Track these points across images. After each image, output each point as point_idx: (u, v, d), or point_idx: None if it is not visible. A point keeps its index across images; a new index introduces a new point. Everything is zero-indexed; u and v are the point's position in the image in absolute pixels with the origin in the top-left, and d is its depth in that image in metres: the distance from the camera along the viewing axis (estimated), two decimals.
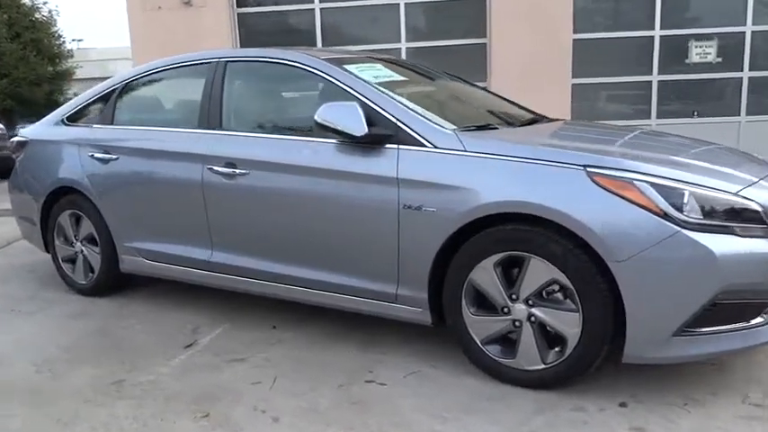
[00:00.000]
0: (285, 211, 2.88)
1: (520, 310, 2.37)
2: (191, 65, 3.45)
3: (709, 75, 8.14)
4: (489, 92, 4.08)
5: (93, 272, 3.78)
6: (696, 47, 8.06)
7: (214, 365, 2.77)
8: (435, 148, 2.53)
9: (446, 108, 3.29)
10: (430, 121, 2.62)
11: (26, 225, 4.16)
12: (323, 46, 8.48)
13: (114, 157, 3.50)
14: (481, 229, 2.40)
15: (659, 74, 8.17)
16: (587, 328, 2.24)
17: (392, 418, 2.25)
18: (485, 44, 8.28)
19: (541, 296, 2.35)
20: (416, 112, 2.65)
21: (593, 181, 2.21)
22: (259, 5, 8.62)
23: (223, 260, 3.16)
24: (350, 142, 2.67)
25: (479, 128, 2.76)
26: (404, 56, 8.40)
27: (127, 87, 3.68)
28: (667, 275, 2.11)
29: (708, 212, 2.13)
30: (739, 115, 8.14)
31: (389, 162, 2.58)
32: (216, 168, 3.05)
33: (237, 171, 2.99)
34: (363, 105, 2.65)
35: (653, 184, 2.16)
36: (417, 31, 8.51)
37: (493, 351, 2.48)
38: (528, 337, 2.37)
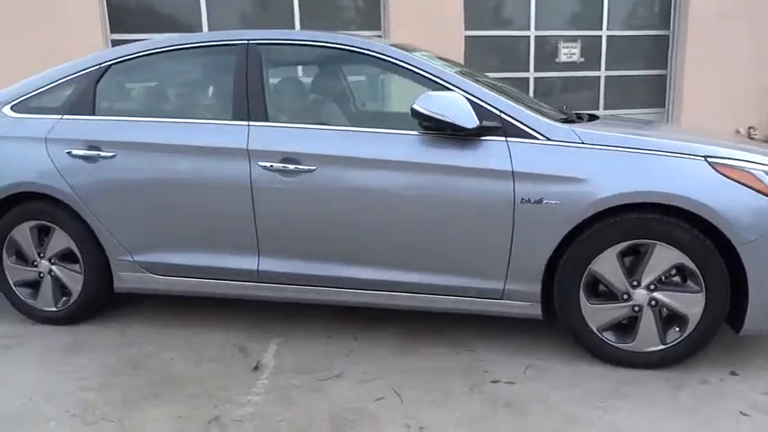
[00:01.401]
0: (368, 209, 2.65)
1: (641, 295, 2.48)
2: (208, 46, 2.98)
3: (575, 73, 9.09)
4: None
5: (68, 295, 3.10)
6: (564, 47, 8.95)
7: (310, 386, 2.46)
8: (549, 140, 2.51)
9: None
10: (538, 113, 2.60)
11: None
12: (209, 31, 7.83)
13: (109, 154, 2.90)
14: (598, 219, 2.45)
15: (535, 71, 8.92)
16: (709, 307, 2.42)
17: (555, 415, 2.22)
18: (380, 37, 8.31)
19: (661, 280, 2.48)
20: (522, 104, 2.61)
21: (716, 170, 2.39)
22: None
23: (277, 268, 2.81)
24: (450, 135, 2.55)
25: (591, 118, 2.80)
26: None
27: (113, 70, 3.06)
28: None
29: None
30: (599, 109, 9.22)
31: (501, 155, 2.51)
32: (271, 165, 2.70)
33: (302, 167, 2.67)
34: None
35: (766, 172, 2.39)
36: (313, 25, 8.25)
37: (609, 337, 2.55)
38: (648, 321, 2.49)
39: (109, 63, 3.06)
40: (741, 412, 2.21)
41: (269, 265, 2.82)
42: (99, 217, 2.95)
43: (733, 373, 2.50)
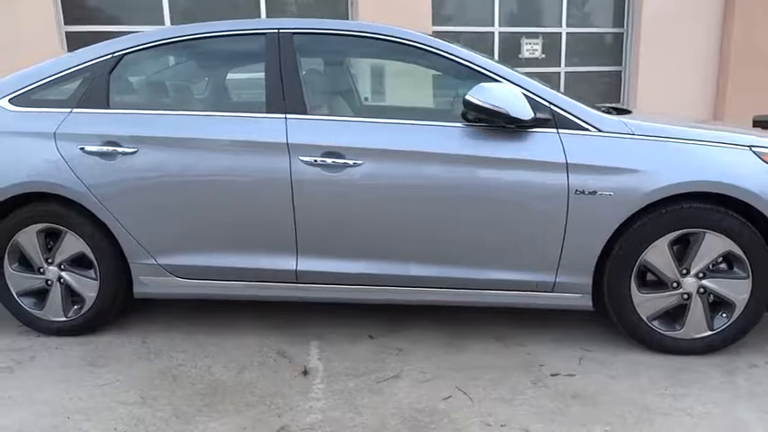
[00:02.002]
0: (416, 205, 2.58)
1: (690, 283, 2.53)
2: (233, 35, 2.81)
3: (537, 69, 9.28)
4: None
5: (80, 303, 2.88)
6: (526, 44, 9.12)
7: (369, 388, 2.38)
8: (600, 131, 2.52)
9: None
10: (586, 105, 2.60)
11: None
12: (172, 24, 7.50)
13: (129, 150, 2.70)
14: (650, 210, 2.48)
15: None
16: (755, 293, 2.50)
17: (627, 405, 2.23)
18: None
19: (709, 268, 2.53)
20: (569, 97, 2.61)
21: (761, 158, 2.46)
22: None
23: (318, 268, 2.70)
24: (500, 127, 2.52)
25: (618, 111, 2.82)
26: None
27: (127, 60, 2.85)
28: None
29: None
30: None
31: (553, 147, 2.50)
32: (315, 159, 2.58)
33: (348, 162, 2.57)
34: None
35: None
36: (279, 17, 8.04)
37: (658, 326, 2.60)
38: (697, 308, 2.54)
39: (123, 52, 2.85)
40: None
41: (309, 264, 2.70)
42: (118, 218, 2.74)
43: None
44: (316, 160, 2.59)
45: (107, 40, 2.87)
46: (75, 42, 6.99)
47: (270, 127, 2.64)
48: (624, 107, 3.33)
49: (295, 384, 2.43)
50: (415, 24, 8.05)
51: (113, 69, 2.84)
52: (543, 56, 9.31)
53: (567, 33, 9.41)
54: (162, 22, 7.55)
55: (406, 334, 2.86)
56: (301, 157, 2.60)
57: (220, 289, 2.80)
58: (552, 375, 2.46)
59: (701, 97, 9.68)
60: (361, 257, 2.67)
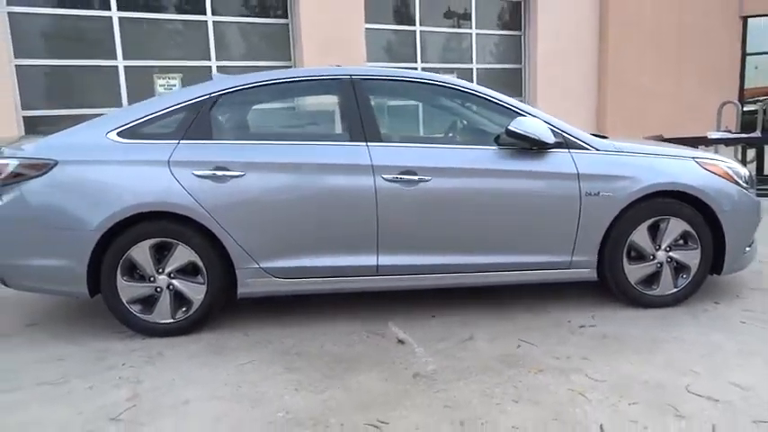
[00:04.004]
0: (470, 208, 3.41)
1: (661, 255, 3.58)
2: (311, 79, 3.51)
3: None
4: None
5: (187, 306, 3.37)
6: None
7: (456, 347, 3.14)
8: (598, 150, 3.52)
9: None
10: (585, 132, 3.59)
11: (40, 270, 3.29)
12: (124, 59, 7.81)
13: (237, 173, 3.28)
14: (634, 204, 3.50)
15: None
16: (704, 258, 3.59)
17: (649, 341, 3.18)
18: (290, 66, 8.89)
19: (673, 243, 3.59)
20: (572, 126, 3.59)
21: (702, 167, 3.58)
22: (36, 5, 7.35)
23: (394, 262, 3.43)
24: (527, 148, 3.43)
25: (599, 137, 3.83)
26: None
27: (224, 99, 3.43)
28: (743, 216, 3.61)
29: (746, 180, 3.72)
30: None
31: (568, 162, 3.45)
32: (394, 177, 3.33)
33: (420, 178, 3.35)
34: None
35: (729, 167, 3.65)
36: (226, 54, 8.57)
37: (640, 288, 3.61)
38: (666, 272, 3.59)
39: (219, 93, 3.44)
40: (740, 321, 3.38)
41: (387, 260, 3.43)
42: (228, 230, 3.29)
43: (716, 303, 3.70)
44: (395, 177, 3.34)
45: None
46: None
47: (356, 152, 3.36)
48: (602, 134, 4.43)
49: (399, 350, 3.13)
50: (353, 62, 8.97)
51: (213, 107, 3.41)
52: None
53: (477, 68, 10.73)
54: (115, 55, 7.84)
55: (459, 312, 3.64)
56: (383, 176, 3.33)
57: (313, 285, 3.44)
58: (580, 327, 3.37)
59: (588, 120, 11.43)
60: (430, 251, 3.44)
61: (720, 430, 2.29)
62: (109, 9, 7.71)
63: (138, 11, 7.95)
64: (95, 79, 7.80)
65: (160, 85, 8.11)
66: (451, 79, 3.57)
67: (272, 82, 3.48)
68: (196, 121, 3.37)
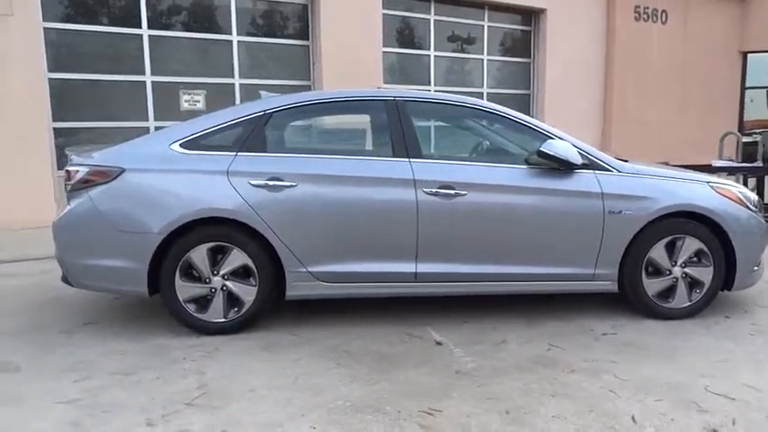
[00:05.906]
0: (502, 222, 3.70)
1: (677, 271, 3.86)
2: (359, 100, 3.82)
3: None
4: None
5: (239, 306, 3.62)
6: None
7: (492, 348, 3.40)
8: (620, 172, 3.82)
9: None
10: (608, 154, 3.90)
11: (105, 270, 3.54)
12: (152, 74, 8.14)
13: (290, 184, 3.56)
14: (653, 223, 3.80)
15: None
16: (716, 275, 3.88)
17: (666, 349, 3.44)
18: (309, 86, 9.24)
19: (688, 260, 3.88)
20: (597, 149, 3.89)
21: (715, 190, 3.89)
22: (70, 21, 7.69)
23: (431, 270, 3.70)
24: (554, 168, 3.73)
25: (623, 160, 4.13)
26: (237, 91, 8.71)
27: (277, 115, 3.73)
28: (752, 237, 3.92)
29: (755, 205, 4.03)
30: None
31: (592, 182, 3.75)
32: (434, 191, 3.62)
33: (458, 192, 3.64)
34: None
35: (740, 192, 3.96)
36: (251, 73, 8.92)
37: (657, 300, 3.89)
38: (681, 287, 3.87)
39: (273, 110, 3.73)
40: (749, 333, 3.66)
41: (425, 267, 3.70)
42: (280, 235, 3.56)
43: (727, 317, 3.98)
44: (435, 191, 3.62)
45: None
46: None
47: (400, 168, 3.65)
48: (623, 158, 4.74)
49: (438, 351, 3.39)
50: (369, 83, 9.34)
51: (267, 123, 3.70)
52: None
53: (487, 93, 11.11)
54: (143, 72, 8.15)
55: (490, 318, 3.91)
56: (424, 189, 3.62)
57: (355, 289, 3.70)
58: (603, 334, 3.64)
59: (592, 143, 11.76)
60: (464, 261, 3.71)
61: (740, 423, 2.55)
62: (140, 27, 8.04)
63: (167, 29, 8.29)
64: (123, 93, 8.10)
65: (185, 101, 8.43)
66: (486, 103, 3.89)
67: (322, 101, 3.79)
68: (252, 135, 3.66)
